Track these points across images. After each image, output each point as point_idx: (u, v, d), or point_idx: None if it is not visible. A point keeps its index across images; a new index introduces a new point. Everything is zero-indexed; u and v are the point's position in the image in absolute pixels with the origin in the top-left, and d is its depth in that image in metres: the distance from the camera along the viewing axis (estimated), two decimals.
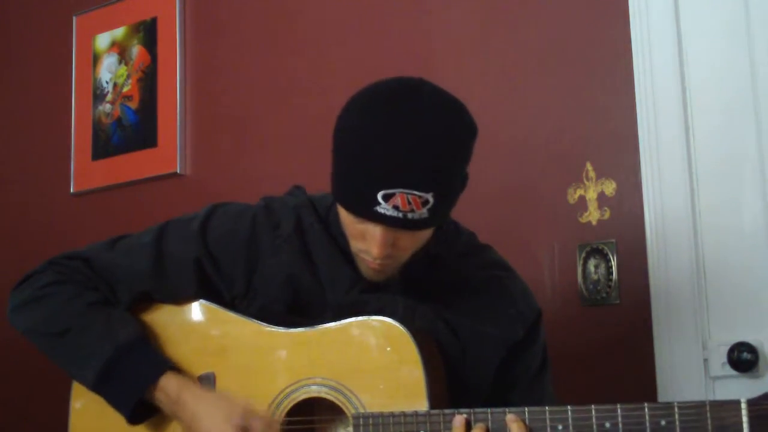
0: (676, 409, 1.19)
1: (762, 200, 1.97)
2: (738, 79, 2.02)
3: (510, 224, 2.24)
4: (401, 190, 1.25)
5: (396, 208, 1.25)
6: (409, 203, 1.25)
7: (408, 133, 1.25)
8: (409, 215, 1.26)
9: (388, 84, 1.33)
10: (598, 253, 2.11)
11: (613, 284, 2.08)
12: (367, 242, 1.32)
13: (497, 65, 2.33)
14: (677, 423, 1.19)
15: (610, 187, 2.12)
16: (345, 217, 1.35)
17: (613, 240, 2.10)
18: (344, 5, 2.61)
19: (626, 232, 2.09)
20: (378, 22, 2.54)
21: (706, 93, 2.05)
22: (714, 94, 2.04)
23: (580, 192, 2.16)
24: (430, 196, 1.26)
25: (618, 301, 2.08)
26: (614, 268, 2.08)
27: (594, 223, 2.13)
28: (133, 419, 1.43)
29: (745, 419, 1.17)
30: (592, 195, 2.14)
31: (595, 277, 2.11)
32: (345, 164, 1.32)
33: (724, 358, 1.93)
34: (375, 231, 1.30)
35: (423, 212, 1.27)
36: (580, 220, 2.15)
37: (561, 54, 2.23)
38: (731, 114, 2.02)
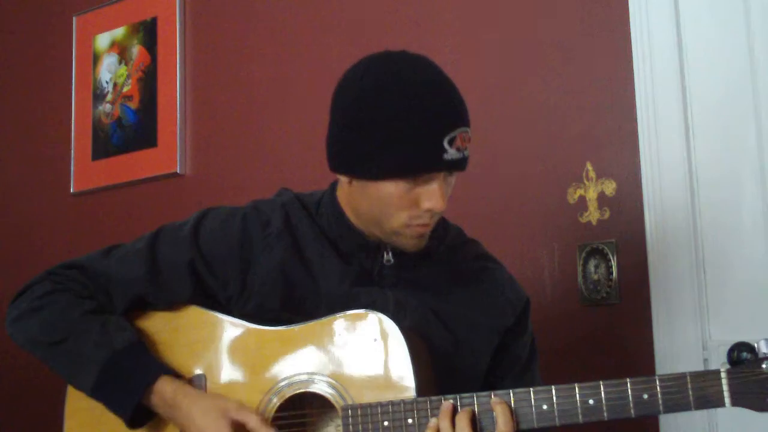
0: (657, 383, 1.21)
1: (762, 200, 1.97)
2: (738, 79, 2.02)
3: (511, 224, 2.24)
4: (460, 129, 1.32)
5: (458, 149, 1.32)
6: (464, 141, 1.33)
7: (435, 79, 1.34)
8: (465, 152, 1.35)
9: (371, 60, 1.38)
10: (598, 253, 2.11)
11: (613, 284, 2.08)
12: (426, 201, 1.34)
13: (497, 65, 2.33)
14: (659, 396, 1.21)
15: (610, 187, 2.12)
16: (393, 190, 1.34)
17: (613, 240, 2.10)
18: (343, 6, 2.61)
19: (626, 232, 2.09)
20: (377, 23, 2.54)
21: (706, 93, 2.05)
22: (714, 94, 2.04)
23: (580, 192, 2.16)
24: (470, 132, 1.35)
25: (618, 301, 2.08)
26: (614, 268, 2.08)
27: (594, 223, 2.13)
28: (132, 423, 1.44)
29: (725, 387, 1.19)
30: (592, 195, 2.14)
31: (595, 277, 2.11)
32: (395, 134, 1.31)
33: (724, 358, 1.92)
34: (434, 185, 1.33)
35: (467, 149, 1.35)
36: (580, 220, 2.15)
37: (561, 54, 2.23)
38: (731, 114, 2.02)
